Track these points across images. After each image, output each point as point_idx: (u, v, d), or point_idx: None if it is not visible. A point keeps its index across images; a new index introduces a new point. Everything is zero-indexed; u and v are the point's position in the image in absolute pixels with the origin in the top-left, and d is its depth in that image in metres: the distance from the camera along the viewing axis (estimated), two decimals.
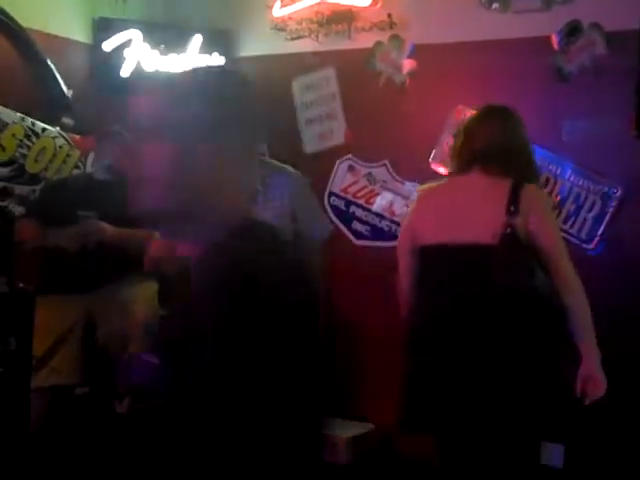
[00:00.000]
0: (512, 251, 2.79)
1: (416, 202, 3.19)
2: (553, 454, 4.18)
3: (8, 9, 4.32)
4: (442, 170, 4.47)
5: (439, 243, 2.89)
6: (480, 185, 2.91)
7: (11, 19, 4.34)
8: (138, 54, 4.89)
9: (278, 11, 4.92)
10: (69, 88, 4.61)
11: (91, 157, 4.39)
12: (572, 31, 4.18)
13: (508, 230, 2.79)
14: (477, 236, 2.80)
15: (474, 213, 2.86)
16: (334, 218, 4.73)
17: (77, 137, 4.62)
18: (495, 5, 4.39)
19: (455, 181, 3.06)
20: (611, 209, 4.10)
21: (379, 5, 4.65)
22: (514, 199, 2.81)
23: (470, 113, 4.37)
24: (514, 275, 2.78)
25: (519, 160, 2.94)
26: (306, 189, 3.55)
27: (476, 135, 2.99)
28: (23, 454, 3.44)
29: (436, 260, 2.92)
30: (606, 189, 4.11)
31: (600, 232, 4.12)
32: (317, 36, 4.84)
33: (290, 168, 3.50)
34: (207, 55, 5.02)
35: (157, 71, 4.92)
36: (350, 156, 4.75)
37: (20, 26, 4.39)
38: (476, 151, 2.95)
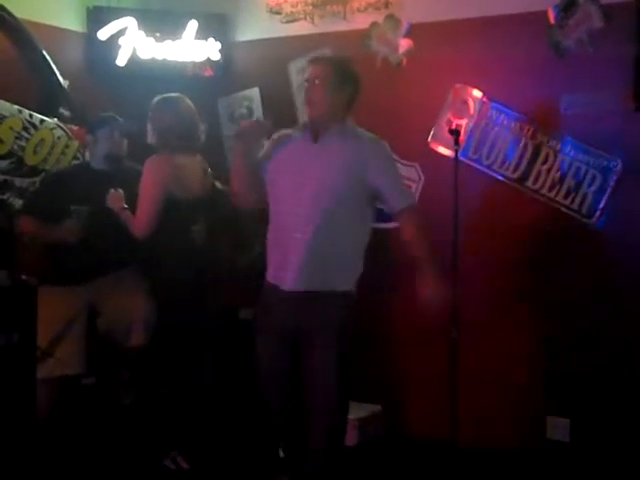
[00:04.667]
0: None
1: None
2: (559, 428, 4.20)
3: (1, 0, 4.30)
4: (441, 149, 4.45)
5: None
6: None
7: (5, 10, 4.31)
8: (133, 42, 4.87)
9: None
10: (65, 78, 4.60)
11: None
12: (568, 5, 4.15)
13: None
14: None
15: None
16: None
17: (75, 128, 4.60)
18: None
19: None
20: (612, 183, 4.08)
21: None
22: None
23: (469, 91, 4.37)
24: None
25: None
26: None
27: None
28: (30, 446, 3.45)
29: None
30: (606, 163, 4.09)
31: (601, 206, 4.10)
32: (312, 18, 4.82)
33: None
34: (203, 41, 5.00)
35: (153, 59, 4.91)
36: None
37: (14, 17, 4.36)
38: None
